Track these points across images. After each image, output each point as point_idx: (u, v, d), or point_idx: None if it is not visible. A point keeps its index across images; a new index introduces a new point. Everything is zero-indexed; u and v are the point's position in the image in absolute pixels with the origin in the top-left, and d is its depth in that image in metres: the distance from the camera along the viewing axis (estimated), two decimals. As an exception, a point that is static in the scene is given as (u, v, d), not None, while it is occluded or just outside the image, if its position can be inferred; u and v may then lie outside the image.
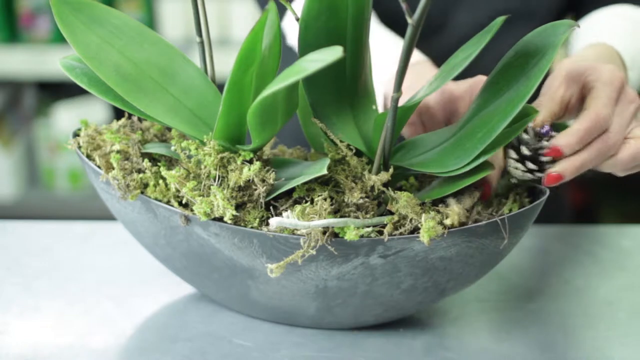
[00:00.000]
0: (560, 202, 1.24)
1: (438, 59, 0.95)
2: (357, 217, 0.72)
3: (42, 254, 0.98)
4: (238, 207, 0.74)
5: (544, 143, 0.73)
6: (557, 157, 0.74)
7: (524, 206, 0.75)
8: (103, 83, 0.76)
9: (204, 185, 0.74)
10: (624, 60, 0.93)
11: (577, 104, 0.79)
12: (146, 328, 0.84)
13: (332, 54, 0.62)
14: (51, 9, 0.75)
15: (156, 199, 0.76)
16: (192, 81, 0.78)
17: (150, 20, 2.23)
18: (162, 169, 0.76)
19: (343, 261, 0.72)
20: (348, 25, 0.74)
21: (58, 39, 2.20)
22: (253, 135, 0.73)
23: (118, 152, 0.79)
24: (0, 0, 2.20)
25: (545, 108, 0.76)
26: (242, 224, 0.73)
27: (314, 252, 0.71)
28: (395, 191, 0.73)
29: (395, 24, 1.05)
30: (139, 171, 0.78)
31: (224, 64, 1.35)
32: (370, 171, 0.76)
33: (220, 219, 0.73)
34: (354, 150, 0.77)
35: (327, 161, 0.72)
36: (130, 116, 0.82)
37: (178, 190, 0.75)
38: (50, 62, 2.17)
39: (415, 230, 0.72)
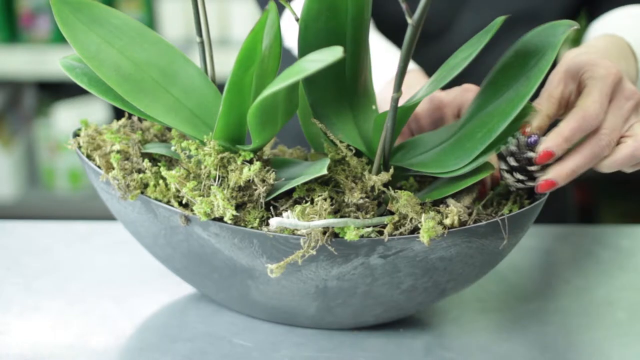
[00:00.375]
0: (565, 202, 1.24)
1: (442, 63, 0.95)
2: (357, 217, 0.72)
3: (42, 254, 0.98)
4: (238, 207, 0.74)
5: (530, 154, 0.72)
6: (548, 160, 0.72)
7: (524, 206, 0.75)
8: (103, 83, 0.76)
9: (204, 185, 0.74)
10: (634, 51, 0.91)
11: (575, 101, 0.77)
12: (146, 328, 0.84)
13: (332, 54, 0.62)
14: (51, 9, 0.75)
15: (156, 199, 0.76)
16: (192, 81, 0.78)
17: (150, 20, 2.23)
18: (162, 169, 0.76)
19: (343, 261, 0.72)
20: (348, 25, 0.74)
21: (58, 39, 2.20)
22: (253, 135, 0.73)
23: (118, 152, 0.79)
24: (1, 0, 2.20)
25: (540, 115, 0.74)
26: (242, 224, 0.73)
27: (314, 252, 0.71)
28: (396, 190, 0.73)
29: (396, 26, 1.05)
30: (139, 171, 0.78)
31: (224, 64, 1.35)
32: (370, 171, 0.76)
33: (220, 219, 0.73)
34: (353, 151, 0.77)
35: (327, 161, 0.72)
36: (130, 116, 0.82)
37: (178, 190, 0.75)
38: (50, 62, 2.17)
39: (416, 230, 0.72)
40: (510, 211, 0.75)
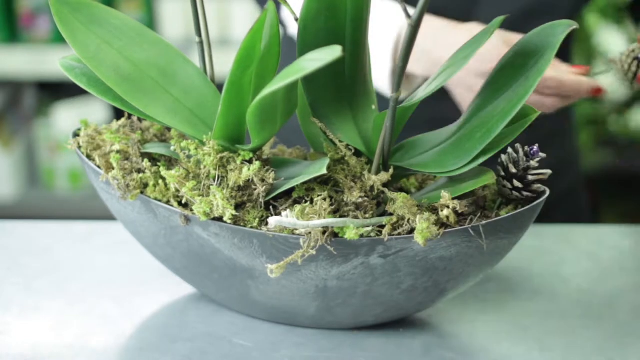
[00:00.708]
0: (579, 202, 1.24)
1: None
2: (356, 217, 0.72)
3: (42, 254, 0.98)
4: (238, 207, 0.74)
5: (532, 163, 0.73)
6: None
7: (524, 206, 0.75)
8: (102, 83, 0.76)
9: (204, 185, 0.74)
10: None
11: None
12: (146, 328, 0.84)
13: (331, 53, 0.62)
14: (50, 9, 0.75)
15: (156, 199, 0.76)
16: (191, 81, 0.78)
17: (150, 20, 2.23)
18: (161, 169, 0.76)
19: (343, 261, 0.72)
20: (347, 25, 0.74)
21: (58, 39, 2.20)
22: (252, 135, 0.73)
23: (118, 152, 0.79)
24: (1, 0, 2.20)
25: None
26: (242, 224, 0.73)
27: (313, 252, 0.71)
28: (393, 192, 0.73)
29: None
30: (139, 171, 0.78)
31: (224, 64, 1.35)
32: (369, 171, 0.76)
33: (220, 219, 0.73)
34: (353, 150, 0.77)
35: (327, 161, 0.72)
36: (130, 116, 0.82)
37: (178, 190, 0.75)
38: (50, 62, 2.17)
39: (414, 230, 0.72)
40: (510, 211, 0.75)
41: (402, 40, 0.92)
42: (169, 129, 0.84)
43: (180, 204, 0.75)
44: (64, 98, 2.35)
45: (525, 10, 1.04)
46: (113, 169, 0.78)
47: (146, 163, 0.77)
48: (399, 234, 0.72)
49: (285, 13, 1.10)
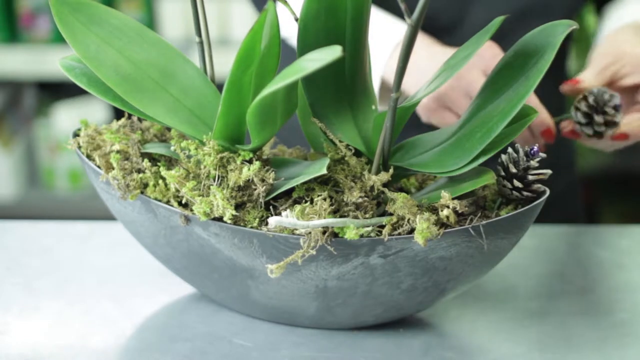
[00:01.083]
0: (574, 203, 1.24)
1: None
2: (356, 217, 0.72)
3: (42, 254, 0.98)
4: (238, 207, 0.74)
5: (532, 163, 0.73)
6: (622, 139, 0.86)
7: (524, 206, 0.75)
8: (102, 83, 0.76)
9: (204, 185, 0.74)
10: None
11: (631, 87, 0.89)
12: (146, 328, 0.84)
13: (331, 53, 0.62)
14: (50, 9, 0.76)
15: (156, 199, 0.76)
16: (191, 81, 0.78)
17: (150, 20, 2.22)
18: (161, 169, 0.76)
19: (343, 261, 0.72)
20: (347, 25, 0.74)
21: (58, 39, 2.20)
22: (252, 135, 0.73)
23: (118, 152, 0.79)
24: (1, 0, 2.20)
25: (593, 74, 0.86)
26: (242, 224, 0.73)
27: (313, 252, 0.71)
28: (393, 192, 0.73)
29: None
30: (139, 171, 0.78)
31: (224, 64, 1.35)
32: (369, 171, 0.76)
33: (220, 219, 0.73)
34: (353, 150, 0.77)
35: (327, 161, 0.72)
36: (130, 116, 0.82)
37: (178, 190, 0.75)
38: (50, 62, 2.17)
39: (414, 230, 0.72)
40: (510, 211, 0.75)
41: (396, 53, 0.93)
42: (169, 129, 0.84)
43: (180, 204, 0.75)
44: (64, 98, 2.35)
45: (520, 12, 1.04)
46: (113, 169, 0.78)
47: (146, 163, 0.77)
48: (399, 234, 0.72)
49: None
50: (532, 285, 0.92)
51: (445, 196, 0.71)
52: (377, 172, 0.75)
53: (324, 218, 0.71)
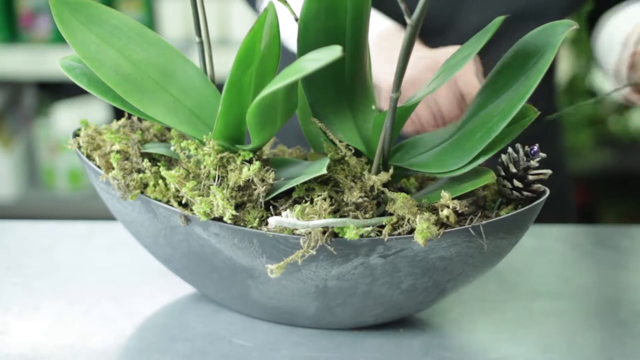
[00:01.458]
0: (566, 202, 1.24)
1: None
2: (356, 217, 0.72)
3: (42, 254, 0.98)
4: (238, 207, 0.74)
5: (532, 163, 0.73)
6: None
7: (524, 206, 0.75)
8: (102, 83, 0.76)
9: (204, 185, 0.74)
10: None
11: None
12: (146, 328, 0.84)
13: (331, 53, 0.62)
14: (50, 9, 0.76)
15: (156, 199, 0.76)
16: (191, 81, 0.78)
17: (150, 20, 2.22)
18: (161, 169, 0.76)
19: (343, 261, 0.72)
20: (347, 25, 0.74)
21: (58, 39, 2.20)
22: (252, 135, 0.73)
23: (118, 152, 0.79)
24: (1, 0, 2.20)
25: None
26: (242, 224, 0.73)
27: (313, 252, 0.71)
28: (393, 192, 0.73)
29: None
30: (139, 171, 0.78)
31: (224, 64, 1.35)
32: (369, 171, 0.76)
33: (220, 219, 0.73)
34: (353, 150, 0.77)
35: (327, 161, 0.72)
36: (130, 116, 0.82)
37: (178, 190, 0.75)
38: (50, 62, 2.17)
39: (414, 230, 0.72)
40: (510, 211, 0.75)
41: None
42: (169, 129, 0.84)
43: (180, 204, 0.75)
44: (64, 98, 2.35)
45: (512, 15, 1.04)
46: (113, 169, 0.78)
47: (146, 163, 0.77)
48: (399, 234, 0.72)
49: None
50: (532, 285, 0.92)
51: (445, 196, 0.71)
52: (377, 172, 0.75)
53: (324, 218, 0.71)
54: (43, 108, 2.38)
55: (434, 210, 0.73)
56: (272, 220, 0.70)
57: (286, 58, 0.83)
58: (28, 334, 0.82)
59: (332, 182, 0.75)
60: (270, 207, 0.74)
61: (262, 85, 0.69)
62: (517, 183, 0.74)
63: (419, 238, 0.69)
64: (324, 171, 0.70)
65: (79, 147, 0.82)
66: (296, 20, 0.75)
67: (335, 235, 0.71)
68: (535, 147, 0.74)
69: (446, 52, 0.88)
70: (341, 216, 0.73)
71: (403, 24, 0.98)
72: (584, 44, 2.13)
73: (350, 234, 0.70)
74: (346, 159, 0.76)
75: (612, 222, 2.24)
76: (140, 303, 0.87)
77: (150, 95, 0.76)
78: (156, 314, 0.86)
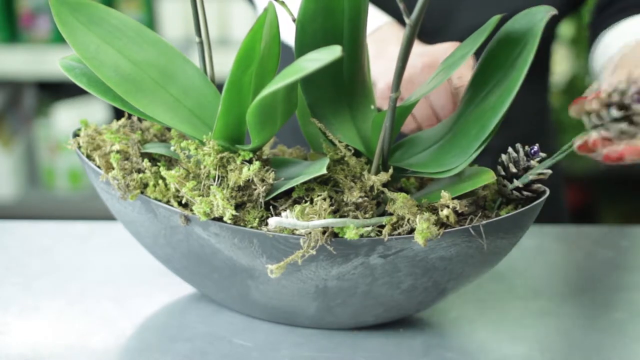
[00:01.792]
0: (558, 205, 1.24)
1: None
2: (356, 217, 0.72)
3: (42, 254, 0.98)
4: (238, 207, 0.74)
5: (532, 163, 0.73)
6: (616, 161, 0.69)
7: (524, 206, 0.75)
8: (102, 83, 0.76)
9: (204, 185, 0.74)
10: None
11: None
12: (146, 328, 0.84)
13: (331, 53, 0.62)
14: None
15: (156, 199, 0.76)
16: (191, 81, 0.78)
17: (150, 20, 2.22)
18: (161, 169, 0.76)
19: (343, 261, 0.72)
20: (345, 25, 0.74)
21: (58, 39, 2.20)
22: (252, 135, 0.73)
23: (118, 152, 0.79)
24: (1, 0, 2.20)
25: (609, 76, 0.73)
26: (242, 224, 0.73)
27: (313, 252, 0.71)
28: (393, 192, 0.73)
29: None
30: (139, 171, 0.78)
31: (224, 64, 1.35)
32: (369, 171, 0.76)
33: (220, 219, 0.73)
34: (352, 150, 0.77)
35: (327, 161, 0.72)
36: (130, 116, 0.82)
37: (178, 190, 0.75)
38: (50, 62, 2.17)
39: (413, 230, 0.72)
40: (510, 211, 0.75)
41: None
42: (169, 129, 0.84)
43: (180, 204, 0.75)
44: (64, 98, 2.35)
45: (507, 15, 1.04)
46: (113, 169, 0.78)
47: (146, 163, 0.77)
48: (399, 234, 0.72)
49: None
50: (532, 285, 0.92)
51: (445, 196, 0.71)
52: (377, 172, 0.75)
53: (324, 218, 0.71)
54: (43, 108, 2.38)
55: (434, 210, 0.73)
56: (272, 221, 0.70)
57: (286, 58, 0.83)
58: (28, 334, 0.82)
59: (332, 182, 0.75)
60: (270, 207, 0.74)
61: (262, 85, 0.69)
62: (517, 183, 0.74)
63: (419, 238, 0.69)
64: (324, 171, 0.70)
65: (79, 147, 0.82)
66: (294, 20, 0.75)
67: (335, 235, 0.71)
68: (536, 147, 0.74)
69: (444, 47, 0.87)
70: (341, 216, 0.73)
71: (401, 22, 0.98)
72: (584, 44, 2.13)
73: (350, 234, 0.70)
74: (346, 159, 0.76)
75: (612, 222, 2.24)
76: (140, 303, 0.87)
77: (150, 95, 0.76)
78: (156, 314, 0.86)
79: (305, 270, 0.73)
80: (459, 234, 0.71)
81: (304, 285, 0.75)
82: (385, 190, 0.74)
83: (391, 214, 0.73)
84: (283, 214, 0.71)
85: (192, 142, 0.74)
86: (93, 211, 2.07)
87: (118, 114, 0.83)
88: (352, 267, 0.73)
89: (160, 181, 0.76)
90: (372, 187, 0.74)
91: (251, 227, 0.73)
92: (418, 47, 0.90)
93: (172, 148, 0.76)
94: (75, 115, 2.26)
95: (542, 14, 0.71)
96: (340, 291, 0.75)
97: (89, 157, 0.81)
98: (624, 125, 0.68)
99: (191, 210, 0.74)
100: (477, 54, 0.74)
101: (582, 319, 0.86)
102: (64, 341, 0.81)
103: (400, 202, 0.72)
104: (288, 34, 1.01)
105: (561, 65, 2.14)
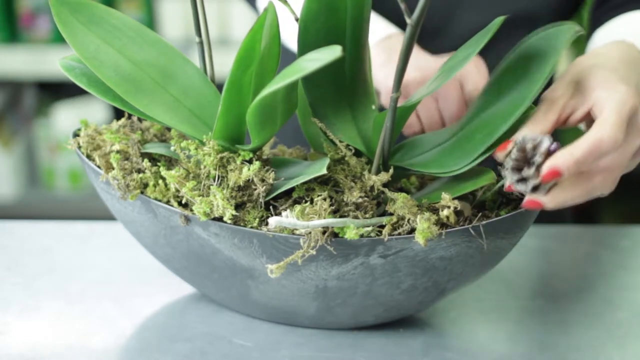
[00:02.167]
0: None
1: None
2: (356, 217, 0.72)
3: (42, 254, 0.98)
4: (238, 207, 0.74)
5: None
6: (553, 180, 0.66)
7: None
8: (102, 83, 0.76)
9: (204, 185, 0.74)
10: None
11: (583, 118, 0.71)
12: (146, 328, 0.84)
13: (331, 53, 0.62)
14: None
15: (156, 199, 0.76)
16: (191, 81, 0.78)
17: (150, 20, 2.23)
18: (161, 169, 0.76)
19: (343, 261, 0.72)
20: (347, 25, 0.74)
21: (58, 39, 2.20)
22: (252, 135, 0.73)
23: (118, 152, 0.79)
24: (1, 0, 2.20)
25: (535, 123, 0.69)
26: (242, 224, 0.73)
27: (313, 252, 0.71)
28: (393, 192, 0.73)
29: (395, 24, 1.05)
30: (139, 171, 0.78)
31: (224, 64, 1.35)
32: (369, 171, 0.76)
33: (220, 219, 0.73)
34: (353, 150, 0.77)
35: (327, 161, 0.72)
36: (130, 116, 0.82)
37: (178, 190, 0.75)
38: (50, 62, 2.17)
39: (414, 230, 0.72)
40: (510, 211, 0.75)
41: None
42: (168, 129, 0.84)
43: (180, 204, 0.75)
44: (64, 98, 2.35)
45: (509, 17, 1.04)
46: (113, 169, 0.78)
47: (146, 163, 0.77)
48: (399, 234, 0.72)
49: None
50: (532, 285, 0.92)
51: (446, 197, 0.71)
52: (377, 172, 0.75)
53: (324, 218, 0.71)
54: (43, 108, 2.38)
55: (434, 210, 0.73)
56: (272, 221, 0.70)
57: (286, 58, 0.83)
58: (28, 334, 0.82)
59: (332, 182, 0.75)
60: (270, 207, 0.74)
61: (262, 85, 0.69)
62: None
63: (419, 238, 0.69)
64: (324, 171, 0.70)
65: (79, 147, 0.82)
66: (296, 20, 0.75)
67: (335, 235, 0.71)
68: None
69: (441, 63, 0.86)
70: (341, 216, 0.73)
71: (403, 23, 0.98)
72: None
73: (350, 234, 0.70)
74: (346, 159, 0.76)
75: (612, 222, 2.24)
76: (140, 303, 0.87)
77: (150, 95, 0.76)
78: (156, 314, 0.86)
79: (305, 270, 0.73)
80: (459, 234, 0.71)
81: (304, 285, 0.75)
82: (386, 190, 0.74)
83: (391, 214, 0.73)
84: (283, 213, 0.71)
85: (192, 142, 0.74)
86: (93, 211, 2.07)
87: (118, 114, 0.83)
88: (352, 267, 0.73)
89: (160, 181, 0.76)
90: (372, 187, 0.74)
91: (251, 227, 0.73)
92: (413, 58, 0.87)
93: (172, 148, 0.76)
94: (75, 115, 2.26)
95: (569, 32, 0.71)
96: (340, 291, 0.75)
97: (89, 157, 0.81)
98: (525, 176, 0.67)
99: (191, 210, 0.74)
100: (478, 54, 0.74)
101: (582, 319, 0.86)
102: (64, 341, 0.81)
103: (400, 202, 0.72)
104: (288, 37, 1.01)
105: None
